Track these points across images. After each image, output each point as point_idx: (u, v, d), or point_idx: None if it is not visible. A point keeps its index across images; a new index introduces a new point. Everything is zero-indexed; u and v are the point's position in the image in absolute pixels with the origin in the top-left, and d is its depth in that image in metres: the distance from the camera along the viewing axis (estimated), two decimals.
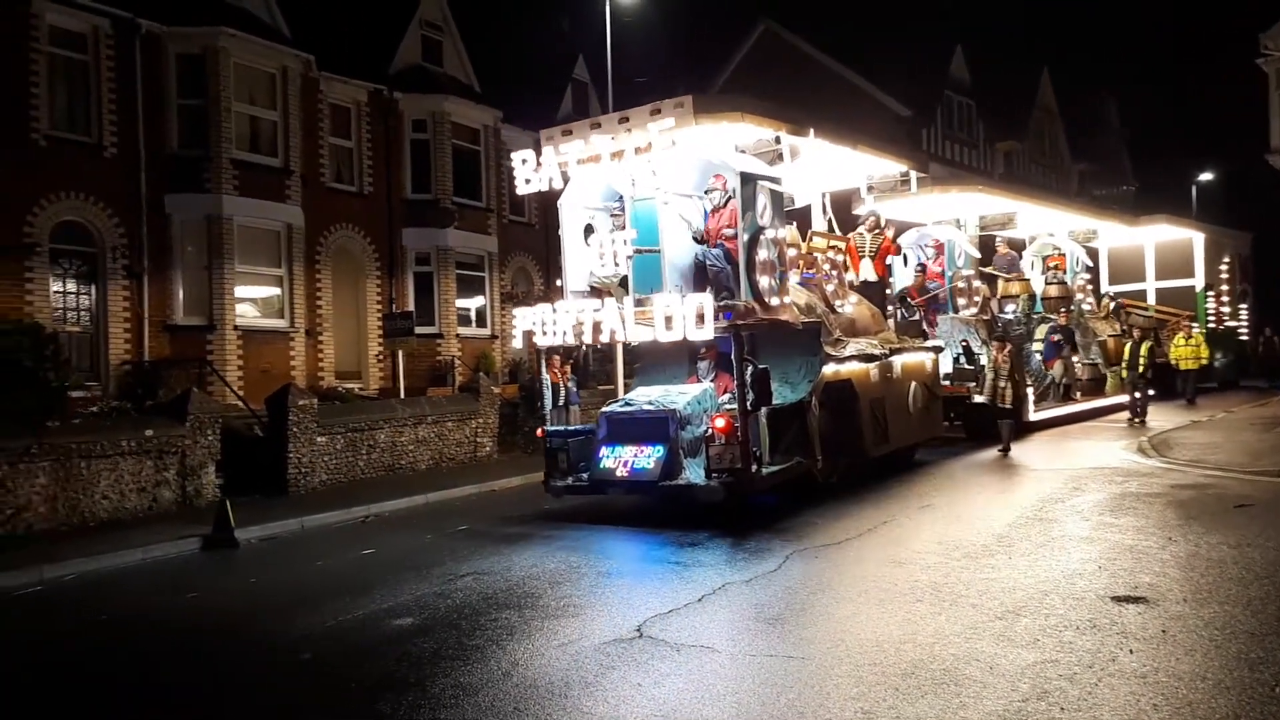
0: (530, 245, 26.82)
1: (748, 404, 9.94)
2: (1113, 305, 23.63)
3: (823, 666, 5.70)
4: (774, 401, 10.58)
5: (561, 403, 12.73)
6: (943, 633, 6.20)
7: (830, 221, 14.24)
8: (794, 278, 12.20)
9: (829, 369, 11.64)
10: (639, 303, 10.54)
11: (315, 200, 20.46)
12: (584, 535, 10.23)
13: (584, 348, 10.74)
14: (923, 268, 17.84)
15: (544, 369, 12.25)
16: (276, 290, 19.61)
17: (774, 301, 10.81)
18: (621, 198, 11.32)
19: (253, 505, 12.70)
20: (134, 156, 17.57)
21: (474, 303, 24.56)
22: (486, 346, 24.21)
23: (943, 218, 18.63)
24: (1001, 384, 14.78)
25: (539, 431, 11.91)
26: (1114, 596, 6.85)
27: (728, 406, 10.68)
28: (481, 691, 5.57)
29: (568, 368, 13.61)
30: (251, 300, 19.22)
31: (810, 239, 13.10)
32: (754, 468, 10.10)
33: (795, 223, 13.46)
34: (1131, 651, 5.69)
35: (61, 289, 16.82)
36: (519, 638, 6.60)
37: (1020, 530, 9.31)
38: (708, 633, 6.51)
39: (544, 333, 11.05)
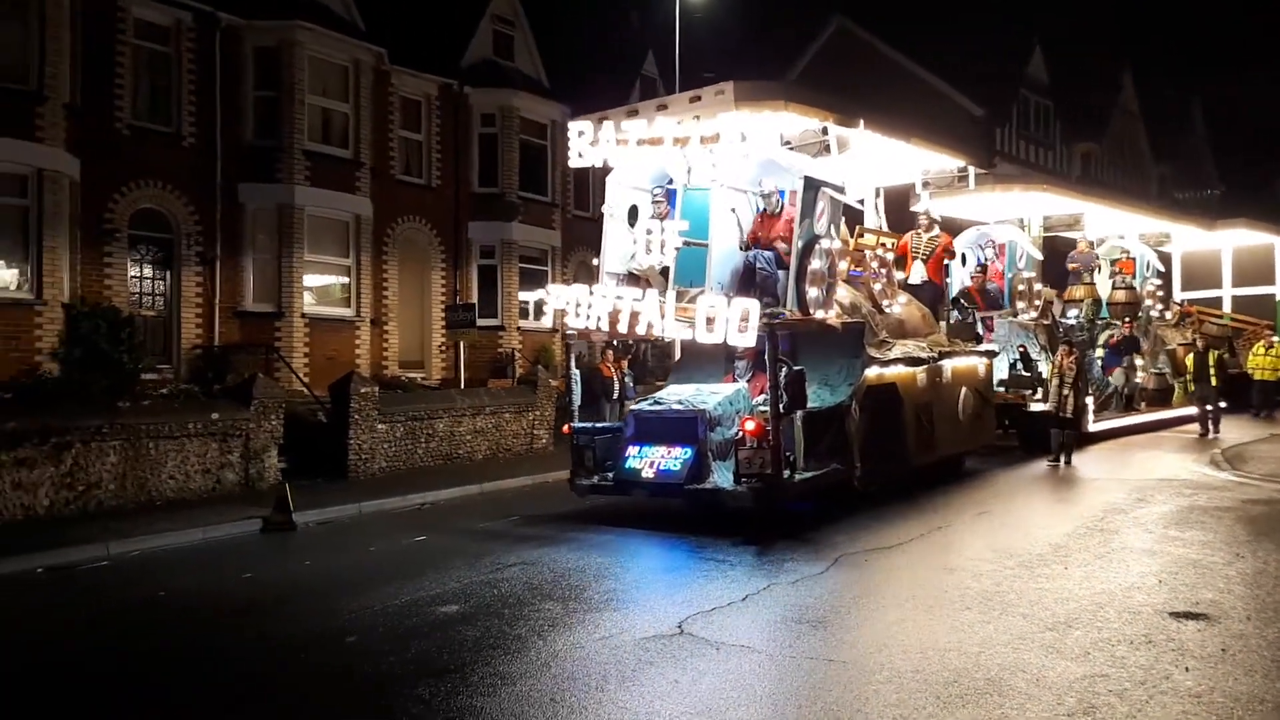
0: (594, 240, 26.57)
1: (780, 407, 9.56)
2: (1181, 312, 22.71)
3: (864, 671, 5.61)
4: (811, 404, 10.23)
5: (616, 397, 12.63)
6: (990, 642, 6.06)
7: (882, 218, 13.86)
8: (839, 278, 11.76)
9: (872, 372, 11.13)
10: (680, 298, 10.14)
11: (384, 192, 20.80)
12: (630, 532, 10.20)
13: (627, 342, 10.37)
14: (983, 268, 17.25)
15: (572, 363, 11.83)
16: (344, 279, 19.99)
17: (819, 314, 10.48)
18: (670, 182, 10.99)
19: (313, 489, 12.98)
20: (210, 146, 18.06)
21: (536, 296, 24.71)
22: (547, 340, 24.36)
23: (1006, 217, 18.06)
24: (1065, 391, 14.12)
25: (565, 428, 11.53)
26: (1173, 612, 6.63)
27: (762, 408, 10.26)
28: (520, 681, 5.60)
29: (624, 362, 13.52)
30: (319, 289, 19.62)
31: (859, 235, 12.66)
32: (787, 473, 9.71)
33: (845, 218, 13.12)
34: (1187, 669, 5.49)
35: (138, 274, 17.36)
36: (560, 629, 6.63)
37: (1079, 540, 9.06)
38: (749, 633, 6.46)
39: (577, 315, 10.50)
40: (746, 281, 10.65)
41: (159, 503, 12.31)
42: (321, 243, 19.42)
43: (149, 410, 12.76)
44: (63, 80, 15.19)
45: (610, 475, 10.60)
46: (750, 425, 9.68)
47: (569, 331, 11.07)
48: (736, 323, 9.39)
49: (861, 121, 11.34)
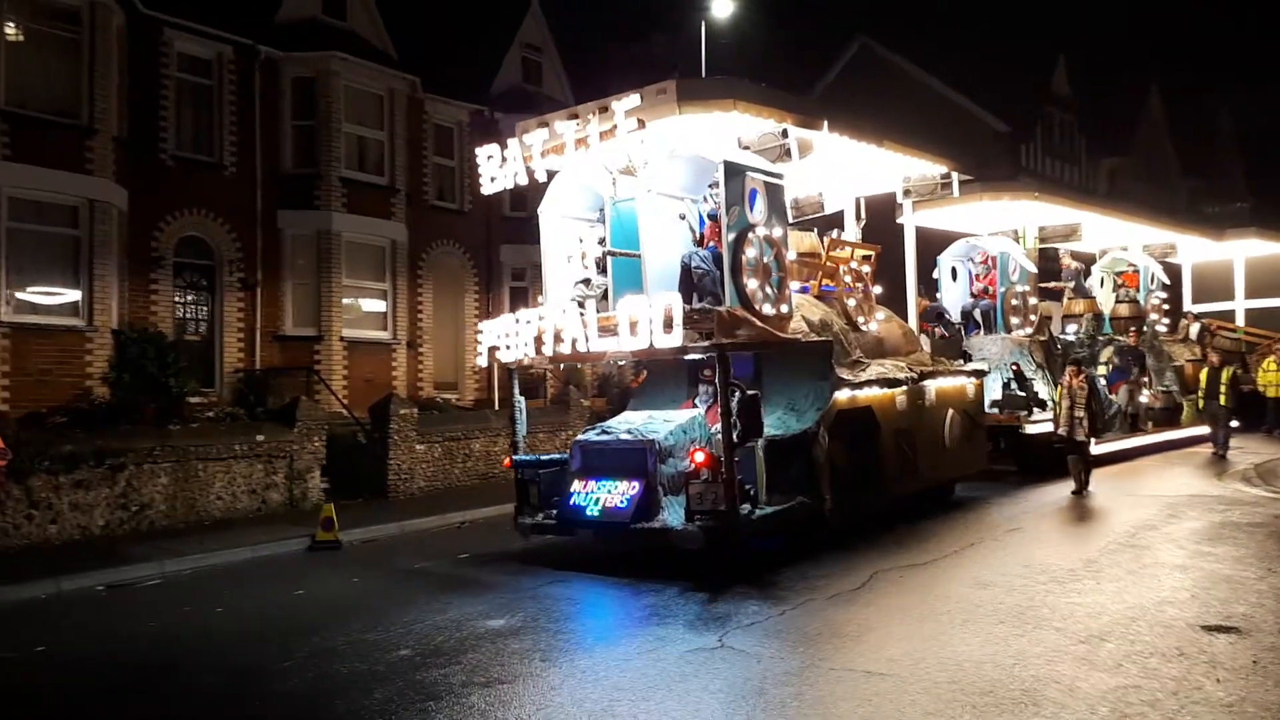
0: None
1: (734, 435, 8.69)
2: (1195, 327, 21.75)
3: (901, 683, 5.80)
4: (774, 432, 9.58)
5: None
6: (1024, 654, 6.23)
7: (859, 230, 13.44)
8: (798, 288, 11.02)
9: (843, 395, 10.25)
10: (601, 309, 9.53)
11: (418, 217, 21.24)
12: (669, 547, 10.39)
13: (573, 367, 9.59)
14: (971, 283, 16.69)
15: (515, 390, 10.80)
16: (381, 303, 20.40)
17: (767, 310, 9.51)
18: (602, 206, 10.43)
19: (355, 508, 13.32)
20: (251, 175, 18.56)
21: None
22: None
23: (1000, 228, 17.48)
24: (1079, 414, 13.05)
25: (505, 460, 10.70)
26: (1204, 625, 6.76)
27: (719, 437, 9.26)
28: (563, 688, 5.84)
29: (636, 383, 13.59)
30: (357, 312, 20.04)
31: (830, 248, 11.82)
32: (747, 508, 8.91)
33: (815, 229, 12.75)
34: (1219, 680, 5.64)
35: (182, 299, 17.84)
36: (606, 642, 6.86)
37: (1110, 556, 9.18)
38: (789, 646, 6.66)
39: (507, 347, 9.91)
40: (685, 284, 9.86)
41: (207, 522, 12.69)
42: (359, 267, 19.86)
43: (197, 433, 13.17)
44: (111, 114, 15.73)
45: (554, 513, 9.68)
46: (700, 456, 8.81)
47: (508, 364, 10.37)
48: (660, 323, 8.60)
49: (825, 123, 10.49)
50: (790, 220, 12.83)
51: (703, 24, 22.62)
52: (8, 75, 14.61)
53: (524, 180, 10.23)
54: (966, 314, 16.81)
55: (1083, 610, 7.25)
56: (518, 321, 9.87)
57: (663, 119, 9.41)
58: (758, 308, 9.42)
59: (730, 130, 10.25)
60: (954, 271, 17.10)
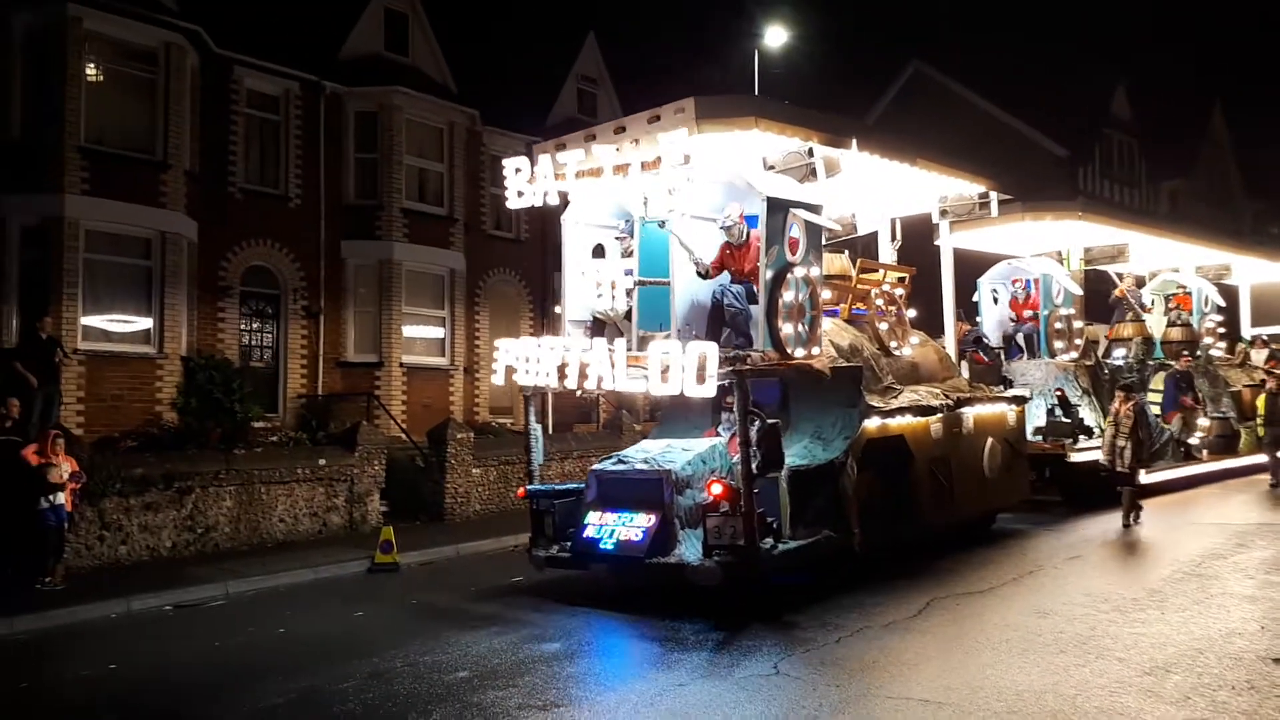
0: None
1: (753, 466, 8.29)
2: (1262, 353, 20.62)
3: (959, 712, 5.75)
4: (799, 462, 9.18)
5: None
6: (1086, 685, 6.14)
7: (895, 251, 13.03)
8: (828, 315, 10.50)
9: (872, 423, 9.80)
10: (643, 344, 9.12)
11: (476, 246, 21.61)
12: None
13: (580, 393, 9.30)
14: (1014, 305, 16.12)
15: (531, 419, 10.35)
16: (439, 330, 20.76)
17: (798, 353, 9.10)
18: (630, 219, 10.04)
19: (412, 531, 13.53)
20: (315, 206, 19.07)
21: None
22: None
23: (1044, 250, 16.75)
24: (1121, 443, 12.47)
25: (520, 490, 10.31)
26: (1276, 658, 6.59)
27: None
28: (619, 711, 5.89)
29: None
30: (416, 339, 20.40)
31: (861, 269, 11.44)
32: (770, 543, 8.56)
33: (846, 251, 12.37)
34: None
35: (248, 327, 18.35)
36: (661, 667, 6.90)
37: (1175, 585, 8.98)
38: (844, 673, 6.63)
39: (526, 370, 9.54)
40: (715, 320, 9.53)
41: (270, 544, 12.98)
42: (418, 295, 20.24)
43: (261, 457, 13.50)
44: (184, 149, 16.31)
45: (569, 545, 9.32)
46: (717, 489, 8.39)
47: (524, 388, 10.03)
48: (694, 372, 8.17)
49: (854, 141, 9.89)
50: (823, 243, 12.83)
51: (755, 53, 22.86)
52: (88, 114, 15.24)
53: (554, 200, 9.85)
54: (1008, 338, 16.44)
55: (1147, 641, 7.11)
56: (539, 347, 9.48)
57: (692, 139, 8.79)
58: (790, 351, 9.03)
59: (755, 150, 9.81)
60: (994, 295, 16.68)
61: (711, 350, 8.23)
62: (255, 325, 18.53)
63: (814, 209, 9.52)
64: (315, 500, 13.75)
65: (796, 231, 9.25)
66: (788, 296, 9.00)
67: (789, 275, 9.07)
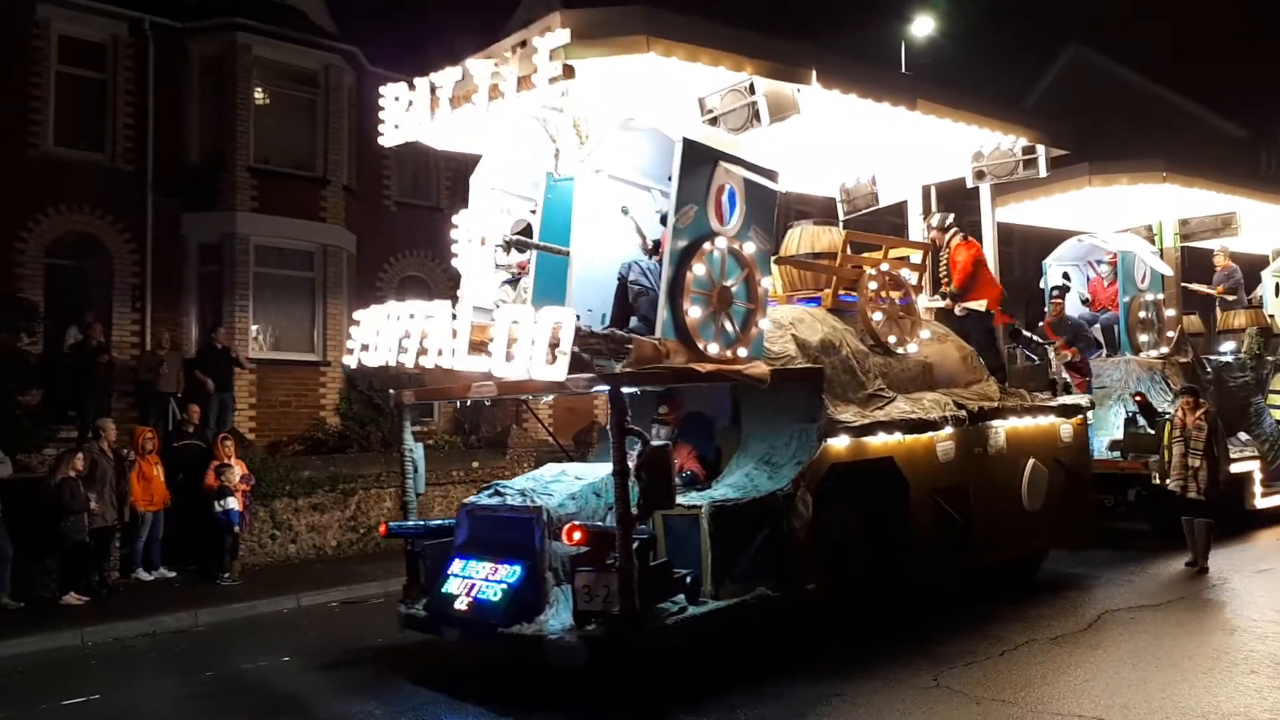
0: None
1: (632, 506, 6.12)
2: None
3: None
4: (734, 495, 7.01)
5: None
6: None
7: (929, 227, 10.59)
8: (809, 303, 8.79)
9: (840, 443, 7.45)
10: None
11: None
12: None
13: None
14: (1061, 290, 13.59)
15: (407, 434, 8.38)
16: None
17: (714, 349, 6.83)
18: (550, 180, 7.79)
19: None
20: None
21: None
22: None
23: (1130, 224, 14.12)
24: (1194, 462, 9.90)
25: (382, 527, 8.29)
26: None
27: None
28: None
29: None
30: None
31: (845, 244, 8.95)
32: (676, 605, 6.38)
33: (840, 224, 10.36)
34: None
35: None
36: (768, 680, 6.74)
37: None
38: (1009, 688, 6.32)
39: (375, 348, 6.91)
40: (621, 302, 7.41)
41: None
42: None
43: None
44: (342, 166, 17.12)
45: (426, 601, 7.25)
46: (577, 535, 6.32)
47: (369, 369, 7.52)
48: (544, 348, 6.04)
49: (814, 71, 7.67)
50: (841, 217, 10.86)
51: (902, 44, 22.22)
52: (256, 136, 16.21)
53: (428, 137, 8.01)
54: (1076, 330, 13.44)
55: None
56: (386, 318, 6.94)
57: (581, 60, 6.74)
58: (701, 345, 6.77)
59: (692, 91, 7.74)
60: (1066, 277, 13.97)
61: (567, 317, 6.09)
62: None
63: (762, 171, 7.32)
64: None
65: (730, 192, 7.12)
66: (699, 270, 6.79)
67: (708, 245, 6.88)
